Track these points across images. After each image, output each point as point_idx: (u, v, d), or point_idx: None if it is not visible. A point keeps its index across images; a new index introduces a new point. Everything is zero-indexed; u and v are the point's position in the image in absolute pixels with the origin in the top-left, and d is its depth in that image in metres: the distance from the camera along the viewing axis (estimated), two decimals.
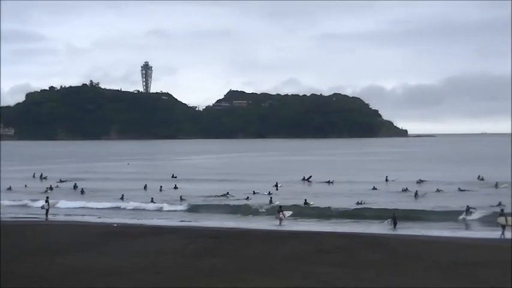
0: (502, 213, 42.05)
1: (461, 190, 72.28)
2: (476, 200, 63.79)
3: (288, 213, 51.90)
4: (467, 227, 48.24)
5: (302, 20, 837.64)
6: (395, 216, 47.27)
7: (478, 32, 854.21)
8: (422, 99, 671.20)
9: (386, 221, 47.95)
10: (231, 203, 63.98)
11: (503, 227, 40.72)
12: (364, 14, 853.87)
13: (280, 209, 51.26)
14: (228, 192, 70.83)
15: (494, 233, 41.51)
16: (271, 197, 64.96)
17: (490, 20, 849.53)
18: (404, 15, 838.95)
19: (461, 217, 51.12)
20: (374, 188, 76.03)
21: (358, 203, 60.81)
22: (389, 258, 27.51)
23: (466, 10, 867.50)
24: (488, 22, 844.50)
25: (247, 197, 67.40)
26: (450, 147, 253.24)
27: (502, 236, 39.99)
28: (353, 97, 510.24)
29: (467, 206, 52.50)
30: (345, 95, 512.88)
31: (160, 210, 60.26)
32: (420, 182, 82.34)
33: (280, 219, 49.71)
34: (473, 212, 51.63)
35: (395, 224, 46.32)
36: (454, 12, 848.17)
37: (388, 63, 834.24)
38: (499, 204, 56.03)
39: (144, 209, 60.28)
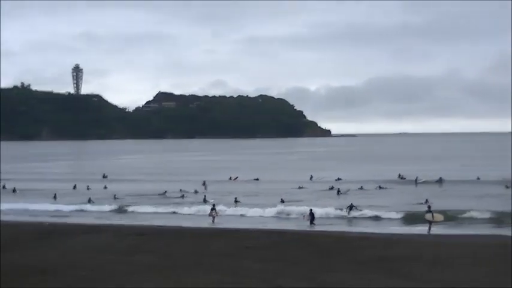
0: (428, 210, 43.54)
1: (381, 188, 74.95)
2: (395, 197, 66.84)
3: (219, 211, 52.90)
4: (350, 223, 49.81)
5: (229, 24, 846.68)
6: (313, 212, 48.70)
7: (396, 35, 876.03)
8: (344, 100, 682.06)
9: (303, 216, 49.67)
10: (165, 201, 64.83)
11: (430, 223, 42.51)
12: (289, 17, 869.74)
13: (214, 207, 52.17)
14: (165, 192, 71.64)
15: (418, 229, 43.62)
16: (205, 196, 65.95)
17: (408, 23, 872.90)
18: (327, 18, 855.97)
19: (343, 213, 52.64)
20: (300, 187, 78.04)
21: (282, 201, 62.10)
22: (315, 254, 27.90)
23: (386, 14, 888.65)
24: (406, 26, 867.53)
25: (183, 195, 68.85)
26: (371, 147, 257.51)
27: (429, 232, 41.73)
28: (278, 98, 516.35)
29: (351, 203, 53.97)
30: (271, 97, 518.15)
31: (86, 210, 59.94)
32: (338, 180, 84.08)
33: (213, 218, 50.49)
34: (359, 209, 53.25)
35: (312, 220, 47.73)
36: (374, 16, 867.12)
37: (312, 65, 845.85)
38: (426, 201, 58.81)
39: (82, 210, 59.78)
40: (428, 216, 42.88)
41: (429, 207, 45.09)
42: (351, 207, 53.62)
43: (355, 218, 51.92)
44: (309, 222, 47.44)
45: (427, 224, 42.88)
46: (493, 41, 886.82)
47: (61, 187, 79.49)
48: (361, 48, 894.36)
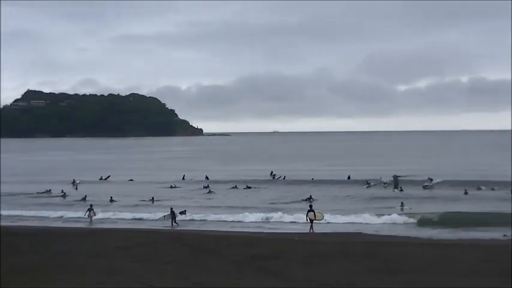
0: (310, 209, 44.40)
1: (248, 187, 76.04)
2: (268, 196, 68.40)
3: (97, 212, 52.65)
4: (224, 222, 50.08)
5: (100, 22, 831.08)
6: (174, 211, 49.43)
7: (269, 34, 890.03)
8: (216, 99, 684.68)
9: (164, 216, 50.16)
10: (43, 200, 63.94)
11: (311, 221, 43.42)
12: (161, 16, 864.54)
13: (91, 207, 52.12)
14: (50, 190, 70.61)
15: (294, 227, 45.30)
16: (85, 196, 65.21)
17: (280, 23, 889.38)
18: (200, 18, 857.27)
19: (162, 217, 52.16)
20: (172, 187, 78.37)
21: (151, 200, 62.94)
22: (189, 253, 28.08)
23: (259, 14, 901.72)
24: (278, 26, 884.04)
25: (64, 194, 68.35)
26: (244, 146, 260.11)
27: (311, 230, 42.80)
28: (150, 97, 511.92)
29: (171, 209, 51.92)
30: (142, 95, 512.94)
31: None
32: (207, 179, 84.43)
33: (91, 218, 50.53)
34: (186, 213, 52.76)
35: (173, 220, 48.49)
36: (245, 15, 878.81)
37: (182, 64, 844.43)
38: (310, 198, 61.23)
39: None
40: (310, 215, 43.79)
41: (310, 206, 46.13)
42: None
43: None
44: (170, 222, 48.35)
45: (309, 223, 43.72)
46: (361, 41, 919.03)
47: None
48: (233, 47, 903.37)
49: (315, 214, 43.96)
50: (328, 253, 27.66)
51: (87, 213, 51.16)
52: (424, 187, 70.50)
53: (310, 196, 63.13)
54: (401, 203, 56.09)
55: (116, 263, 25.19)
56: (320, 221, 44.64)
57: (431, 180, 72.80)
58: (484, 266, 24.27)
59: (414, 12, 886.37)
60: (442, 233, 41.86)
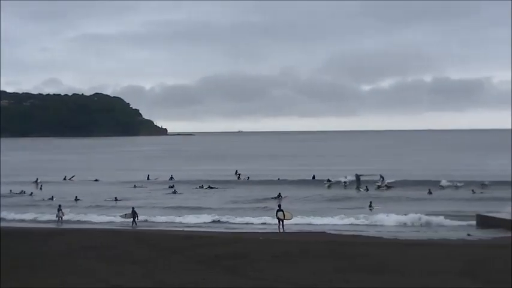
0: (279, 209, 44.57)
1: (211, 187, 75.90)
2: (231, 194, 68.48)
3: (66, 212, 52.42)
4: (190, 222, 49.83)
5: (64, 21, 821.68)
6: (135, 211, 49.29)
7: (234, 34, 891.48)
8: (180, 98, 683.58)
9: (125, 214, 50.10)
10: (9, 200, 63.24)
11: (281, 221, 43.72)
12: (125, 16, 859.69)
13: (60, 207, 51.89)
14: (11, 190, 69.80)
15: (260, 227, 45.59)
16: (52, 196, 64.94)
17: (241, 23, 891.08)
18: (161, 17, 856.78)
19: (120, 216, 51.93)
20: (135, 187, 78.33)
21: (115, 200, 63.01)
22: (154, 253, 28.10)
23: (224, 14, 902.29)
24: (240, 26, 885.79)
25: (31, 193, 68.20)
26: (209, 145, 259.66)
27: (281, 230, 43.24)
28: (114, 97, 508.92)
29: (130, 215, 51.14)
30: (107, 95, 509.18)
31: None
32: (172, 179, 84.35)
33: (60, 218, 50.43)
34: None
35: (134, 219, 48.36)
36: (208, 15, 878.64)
37: (146, 64, 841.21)
38: (279, 196, 61.77)
39: None
40: (279, 214, 44.03)
41: (279, 205, 46.23)
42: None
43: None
44: (131, 221, 48.35)
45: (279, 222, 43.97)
46: (325, 41, 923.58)
47: None
48: (197, 47, 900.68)
49: (284, 214, 44.16)
50: (292, 252, 27.73)
51: (57, 213, 51.02)
52: (378, 187, 70.95)
53: (279, 194, 63.51)
54: (370, 202, 56.46)
55: (81, 263, 25.07)
56: (289, 221, 44.73)
57: (383, 179, 73.33)
58: (447, 265, 24.49)
59: (376, 12, 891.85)
60: (407, 233, 42.13)
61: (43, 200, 64.33)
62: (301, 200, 63.03)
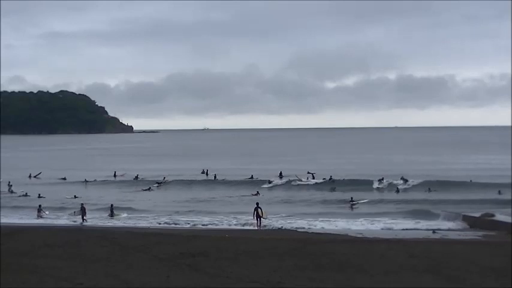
0: (258, 206, 44.89)
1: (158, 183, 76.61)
2: (196, 192, 68.54)
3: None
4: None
5: (27, 18, 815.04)
6: (84, 207, 49.28)
7: (198, 32, 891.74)
8: (145, 96, 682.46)
9: (74, 212, 50.46)
10: None
11: (259, 218, 44.13)
12: (89, 13, 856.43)
13: (40, 207, 52.21)
14: None
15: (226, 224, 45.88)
16: (26, 192, 65.87)
17: (205, 21, 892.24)
18: (125, 15, 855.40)
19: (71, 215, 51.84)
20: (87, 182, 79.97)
21: (75, 197, 62.87)
22: (117, 251, 27.73)
23: (188, 11, 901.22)
24: (203, 23, 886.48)
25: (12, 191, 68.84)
26: (175, 143, 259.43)
27: (259, 228, 43.53)
28: (79, 94, 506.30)
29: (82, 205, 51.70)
30: (72, 92, 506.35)
31: None
32: (137, 178, 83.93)
33: (41, 217, 50.53)
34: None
35: (83, 216, 48.36)
36: (171, 13, 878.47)
37: (111, 61, 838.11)
38: (257, 193, 62.63)
39: None
40: (258, 212, 44.32)
41: (257, 203, 46.36)
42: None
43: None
44: (81, 218, 48.34)
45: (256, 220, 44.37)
46: (288, 39, 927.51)
47: None
48: (162, 44, 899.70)
49: (262, 211, 44.44)
50: (257, 251, 27.63)
51: (38, 213, 51.30)
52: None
53: (257, 192, 64.19)
54: (351, 198, 56.87)
55: (42, 262, 24.70)
56: (264, 219, 44.99)
57: (314, 176, 75.08)
58: (411, 262, 24.60)
59: (339, 10, 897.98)
60: (372, 230, 42.40)
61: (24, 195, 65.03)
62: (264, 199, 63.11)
